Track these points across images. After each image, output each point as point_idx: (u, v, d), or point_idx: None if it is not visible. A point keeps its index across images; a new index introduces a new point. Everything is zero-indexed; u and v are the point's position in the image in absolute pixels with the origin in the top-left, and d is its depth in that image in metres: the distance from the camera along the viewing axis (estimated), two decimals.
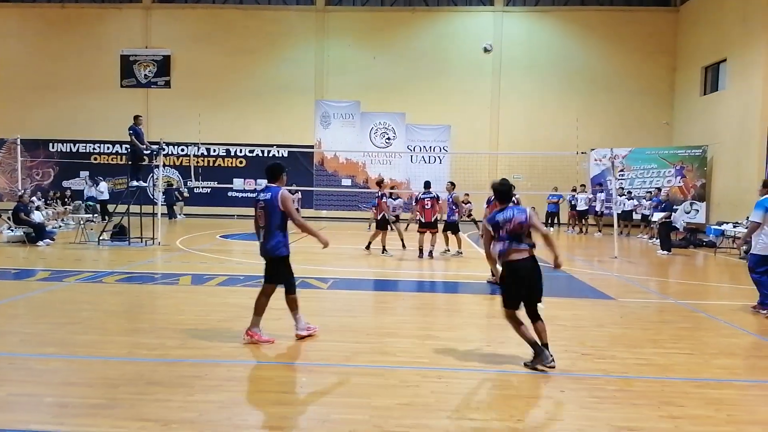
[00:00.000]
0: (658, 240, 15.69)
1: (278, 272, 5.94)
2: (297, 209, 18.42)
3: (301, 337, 5.90)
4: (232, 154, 26.19)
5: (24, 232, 14.02)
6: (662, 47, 24.95)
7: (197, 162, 24.86)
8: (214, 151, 25.92)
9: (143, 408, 4.11)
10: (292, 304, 5.97)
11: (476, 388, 4.70)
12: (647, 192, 20.54)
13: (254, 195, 6.22)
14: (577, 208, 20.93)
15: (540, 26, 25.72)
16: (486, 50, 15.14)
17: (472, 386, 4.75)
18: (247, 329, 5.79)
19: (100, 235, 14.09)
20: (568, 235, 20.60)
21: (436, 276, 11.08)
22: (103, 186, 22.41)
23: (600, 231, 20.59)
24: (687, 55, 24.01)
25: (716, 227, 16.86)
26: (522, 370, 5.16)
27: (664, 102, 25.16)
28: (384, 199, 13.88)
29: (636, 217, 20.19)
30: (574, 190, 21.05)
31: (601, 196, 20.83)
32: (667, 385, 4.87)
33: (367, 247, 13.66)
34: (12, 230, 14.42)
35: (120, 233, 14.35)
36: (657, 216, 16.01)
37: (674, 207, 18.26)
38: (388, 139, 25.91)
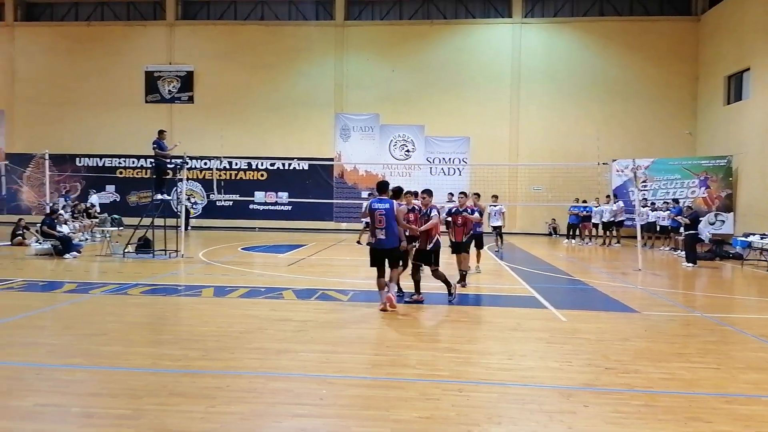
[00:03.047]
0: (683, 252, 15.43)
1: (399, 255, 8.33)
2: None
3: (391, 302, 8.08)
4: (254, 167, 26.49)
5: (51, 245, 14.32)
6: (684, 56, 24.69)
7: (219, 175, 25.22)
8: (236, 164, 26.25)
9: (166, 419, 4.16)
10: (396, 276, 8.48)
11: (498, 402, 4.66)
12: (664, 203, 20.22)
13: (366, 202, 8.75)
14: (603, 220, 20.67)
15: (559, 37, 25.66)
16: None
17: (493, 400, 4.71)
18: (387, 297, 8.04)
19: (125, 248, 14.34)
20: (585, 246, 20.31)
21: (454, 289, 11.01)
22: (95, 199, 22.65)
23: (619, 242, 20.35)
24: (709, 64, 23.72)
25: (743, 239, 16.52)
26: (545, 384, 5.11)
27: (686, 112, 24.85)
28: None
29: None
30: (595, 201, 20.85)
31: (612, 207, 20.55)
32: (694, 400, 4.77)
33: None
34: (40, 243, 14.75)
35: (144, 246, 14.58)
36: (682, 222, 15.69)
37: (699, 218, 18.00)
38: (408, 151, 25.99)
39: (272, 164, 26.35)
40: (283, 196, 25.41)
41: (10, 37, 27.31)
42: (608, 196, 21.18)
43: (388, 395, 4.73)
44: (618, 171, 22.59)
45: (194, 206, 26.04)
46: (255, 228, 25.16)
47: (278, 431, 4.04)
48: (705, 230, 17.31)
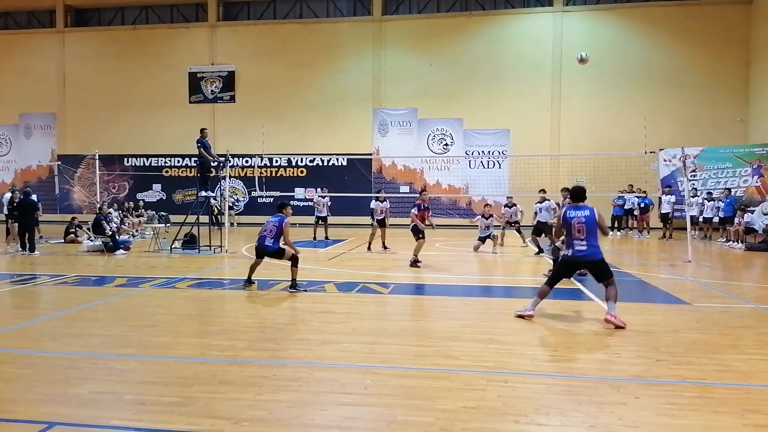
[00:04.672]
0: (736, 243, 14.86)
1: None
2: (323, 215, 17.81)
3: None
4: (293, 164, 26.81)
5: (102, 242, 14.85)
6: (734, 41, 23.68)
7: (261, 173, 25.61)
8: (277, 161, 26.61)
9: (216, 406, 4.25)
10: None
11: (545, 393, 4.59)
12: (708, 193, 19.47)
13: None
14: (661, 211, 20.08)
15: (602, 25, 24.99)
16: (582, 59, 14.10)
17: (540, 391, 4.64)
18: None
19: (172, 244, 14.75)
20: (637, 239, 19.77)
21: (497, 281, 10.91)
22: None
23: (648, 232, 20.00)
24: (762, 48, 22.68)
25: None
26: (593, 375, 5.00)
27: (737, 98, 23.86)
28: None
29: (699, 219, 19.18)
30: (641, 191, 20.30)
31: (671, 198, 19.91)
32: (751, 392, 4.59)
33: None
34: (91, 240, 15.32)
35: (190, 242, 14.97)
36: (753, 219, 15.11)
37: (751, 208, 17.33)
38: (446, 145, 25.84)
39: (312, 160, 26.61)
40: (317, 192, 25.63)
41: (60, 43, 28.38)
42: (669, 186, 20.53)
43: (433, 385, 4.72)
44: (666, 161, 21.88)
45: (237, 203, 26.52)
46: (295, 224, 25.45)
47: (324, 419, 4.08)
48: (759, 220, 16.60)
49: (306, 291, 9.03)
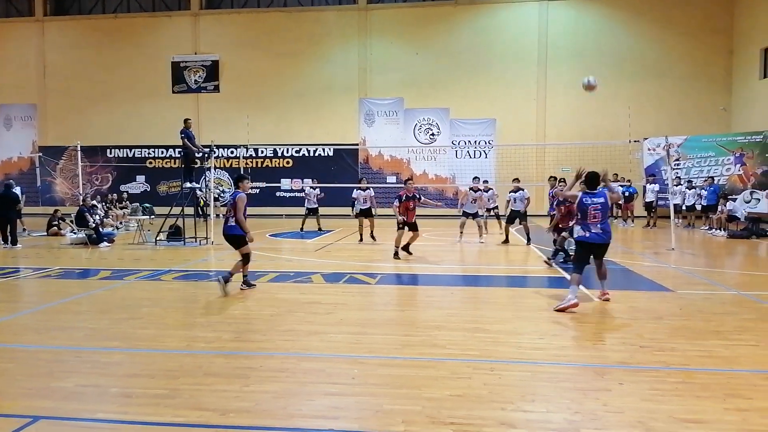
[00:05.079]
0: (719, 230, 15.05)
1: None
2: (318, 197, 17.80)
3: None
4: (279, 154, 26.63)
5: (86, 235, 14.67)
6: (717, 30, 23.87)
7: (246, 163, 25.47)
8: (262, 152, 26.43)
9: (202, 398, 4.24)
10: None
11: (530, 380, 4.63)
12: (688, 182, 19.73)
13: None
14: (645, 200, 20.28)
15: (587, 14, 25.04)
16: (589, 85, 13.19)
17: (525, 378, 4.68)
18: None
19: (156, 236, 14.62)
20: (627, 228, 19.96)
21: (483, 270, 10.96)
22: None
23: (633, 221, 20.34)
24: (744, 37, 22.90)
25: None
26: (578, 362, 5.05)
27: (720, 87, 24.09)
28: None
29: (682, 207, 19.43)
30: (625, 180, 20.49)
31: (655, 187, 20.13)
32: (733, 377, 4.67)
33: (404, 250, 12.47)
34: (75, 233, 15.13)
35: (175, 234, 14.84)
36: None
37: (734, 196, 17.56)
38: (433, 134, 25.83)
39: (297, 151, 26.45)
40: (308, 182, 25.52)
41: (40, 32, 27.83)
42: (653, 175, 20.73)
43: (419, 374, 4.74)
44: (650, 150, 22.06)
45: (222, 194, 26.32)
46: (282, 215, 25.36)
47: (311, 409, 4.08)
48: (740, 208, 16.83)
49: (243, 289, 8.30)
